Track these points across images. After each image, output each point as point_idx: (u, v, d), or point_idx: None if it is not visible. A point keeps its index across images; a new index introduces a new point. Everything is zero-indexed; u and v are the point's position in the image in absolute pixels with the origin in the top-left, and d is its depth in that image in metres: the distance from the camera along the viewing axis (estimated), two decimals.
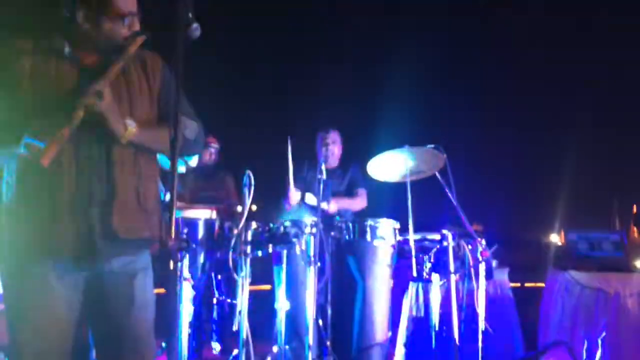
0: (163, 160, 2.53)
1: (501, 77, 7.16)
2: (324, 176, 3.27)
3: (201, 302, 4.70)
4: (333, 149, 4.23)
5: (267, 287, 3.61)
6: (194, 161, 3.48)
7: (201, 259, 3.47)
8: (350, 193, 4.24)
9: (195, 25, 1.63)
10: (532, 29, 6.92)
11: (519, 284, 5.95)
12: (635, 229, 5.63)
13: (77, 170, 1.75)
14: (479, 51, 7.10)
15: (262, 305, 4.13)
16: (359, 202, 4.22)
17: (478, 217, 3.89)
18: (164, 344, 3.94)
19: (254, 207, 3.23)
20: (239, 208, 3.33)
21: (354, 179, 4.29)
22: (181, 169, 3.51)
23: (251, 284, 4.44)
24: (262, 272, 4.14)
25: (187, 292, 3.11)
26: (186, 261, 3.17)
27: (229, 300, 4.30)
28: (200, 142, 2.09)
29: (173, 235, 1.41)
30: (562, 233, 4.29)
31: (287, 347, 3.27)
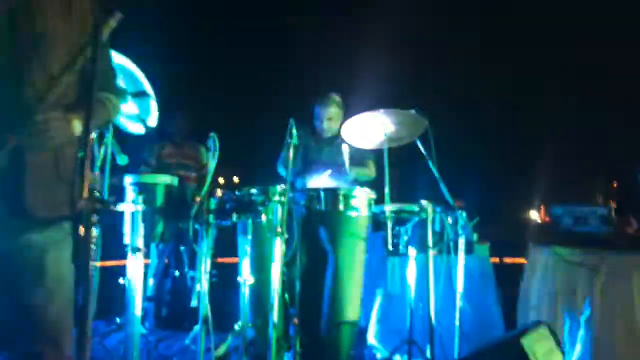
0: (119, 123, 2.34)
1: (488, 46, 6.95)
2: (295, 140, 2.99)
3: (167, 274, 4.48)
4: (331, 124, 3.96)
5: (232, 259, 3.37)
6: (152, 120, 3.21)
7: (160, 227, 3.21)
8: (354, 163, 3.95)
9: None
10: None
11: (497, 259, 5.83)
12: (615, 204, 5.50)
13: None
14: (464, 14, 6.85)
15: (228, 279, 3.91)
16: (373, 171, 3.98)
17: (458, 190, 3.69)
18: (118, 320, 3.72)
19: (236, 179, 3.00)
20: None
21: (357, 152, 3.93)
22: (139, 129, 3.24)
23: (219, 256, 4.21)
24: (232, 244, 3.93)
25: (139, 264, 2.85)
26: (141, 230, 2.91)
27: (191, 273, 4.08)
28: (113, 111, 1.91)
29: (86, 196, 1.14)
30: (543, 209, 4.10)
31: (250, 324, 3.04)
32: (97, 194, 1.15)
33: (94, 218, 1.15)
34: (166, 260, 4.40)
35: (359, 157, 3.92)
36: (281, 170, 4.03)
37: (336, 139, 3.97)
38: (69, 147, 1.68)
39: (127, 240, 2.97)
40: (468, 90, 7.05)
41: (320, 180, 3.80)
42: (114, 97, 1.90)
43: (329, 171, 3.80)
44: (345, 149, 3.74)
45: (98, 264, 3.00)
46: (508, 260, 6.28)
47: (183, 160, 4.71)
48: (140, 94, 3.00)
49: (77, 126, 1.63)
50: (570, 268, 3.29)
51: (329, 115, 3.95)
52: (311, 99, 4.09)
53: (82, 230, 1.13)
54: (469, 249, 3.39)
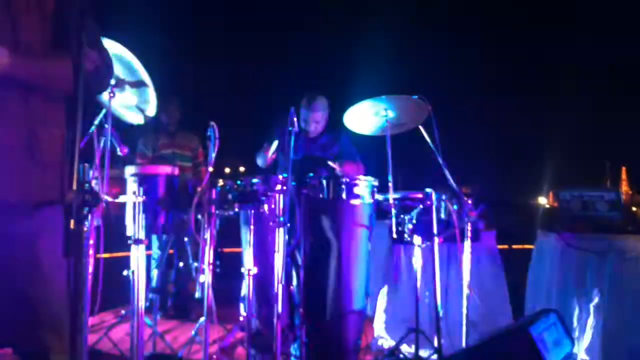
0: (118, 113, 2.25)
1: (491, 34, 6.85)
2: (296, 127, 2.94)
3: (172, 265, 4.47)
4: (317, 127, 3.89)
5: (238, 249, 3.34)
6: (151, 110, 3.17)
7: (162, 219, 3.19)
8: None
9: None
10: None
11: (506, 246, 5.77)
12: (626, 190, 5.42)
13: None
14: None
15: (232, 269, 3.88)
16: (362, 170, 3.88)
17: (466, 177, 3.63)
18: (123, 312, 3.71)
19: (242, 169, 2.97)
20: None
21: (347, 150, 3.94)
22: (138, 119, 3.20)
23: (223, 246, 4.19)
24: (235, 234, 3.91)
25: (141, 255, 2.82)
26: (142, 221, 2.89)
27: (195, 264, 4.07)
28: (105, 76, 1.75)
29: (74, 187, 1.10)
30: (551, 195, 4.03)
31: (254, 314, 3.02)
32: (87, 185, 1.10)
33: (84, 210, 1.11)
34: (170, 251, 4.38)
35: (346, 154, 3.88)
36: (259, 161, 3.94)
37: (322, 136, 3.94)
38: (43, 129, 1.60)
39: (129, 231, 2.95)
40: (475, 75, 6.95)
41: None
42: (105, 54, 1.72)
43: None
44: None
45: (105, 255, 2.97)
46: (517, 246, 6.22)
47: (178, 151, 4.66)
48: (138, 84, 2.96)
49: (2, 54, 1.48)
50: (579, 254, 3.23)
51: (316, 118, 3.86)
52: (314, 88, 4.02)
53: (72, 223, 1.09)
54: (475, 237, 3.33)
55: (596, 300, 3.05)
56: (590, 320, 3.05)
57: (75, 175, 1.12)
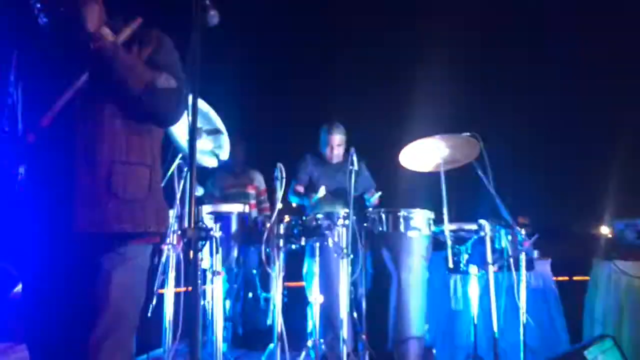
0: (181, 148, 2.43)
1: (542, 63, 6.94)
2: (356, 167, 3.21)
3: (239, 297, 4.75)
4: (339, 150, 4.22)
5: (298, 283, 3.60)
6: (225, 154, 3.50)
7: (235, 253, 3.48)
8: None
9: (212, 12, 1.60)
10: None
11: (567, 278, 5.75)
12: None
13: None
14: (516, 34, 6.89)
15: (298, 300, 4.13)
16: (376, 200, 4.21)
17: (520, 208, 3.76)
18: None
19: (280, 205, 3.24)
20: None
21: (369, 179, 4.38)
22: (212, 162, 3.54)
23: (288, 280, 4.46)
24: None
25: (218, 286, 3.11)
26: (219, 255, 3.19)
27: (264, 295, 4.32)
28: (173, 101, 1.81)
29: (192, 225, 1.39)
30: (606, 224, 4.10)
31: (321, 340, 3.24)
32: (201, 224, 1.38)
33: (200, 245, 1.38)
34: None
35: (370, 184, 4.30)
36: (293, 199, 4.30)
37: (344, 164, 4.23)
38: (121, 165, 1.71)
39: (205, 264, 3.25)
40: (528, 107, 7.04)
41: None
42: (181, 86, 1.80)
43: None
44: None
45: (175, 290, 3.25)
46: (578, 278, 6.17)
47: (243, 190, 5.02)
48: (214, 131, 3.30)
49: (108, 32, 1.69)
50: (634, 282, 3.32)
51: (338, 141, 4.21)
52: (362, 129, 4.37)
53: (191, 255, 1.36)
54: (529, 265, 3.46)
55: None
56: None
57: (193, 215, 1.41)
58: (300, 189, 4.27)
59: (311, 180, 4.30)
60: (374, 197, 4.11)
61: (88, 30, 1.67)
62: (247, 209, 3.60)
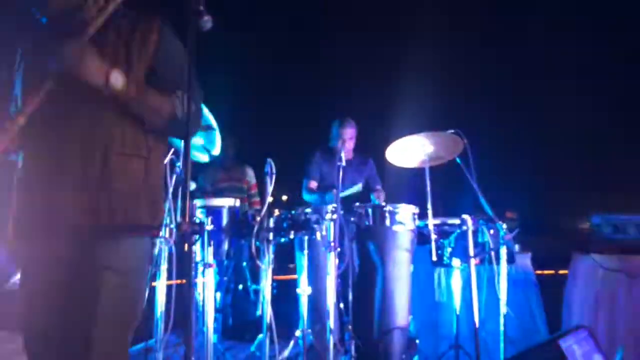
0: (176, 142, 2.48)
1: (523, 61, 7.06)
2: (344, 163, 3.32)
3: (230, 289, 4.85)
4: (350, 144, 4.34)
5: (293, 276, 3.70)
6: (216, 150, 3.59)
7: (225, 246, 3.57)
8: (368, 186, 4.51)
9: (206, 17, 1.67)
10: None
11: (553, 271, 5.89)
12: None
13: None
14: (499, 34, 7.01)
15: (286, 293, 4.24)
16: (382, 197, 4.43)
17: (504, 203, 3.88)
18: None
19: (284, 198, 3.34)
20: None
21: (373, 175, 4.55)
22: (204, 158, 3.63)
23: (276, 274, 4.56)
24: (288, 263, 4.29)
25: (210, 279, 3.21)
26: (211, 248, 3.28)
27: (254, 287, 4.42)
28: (197, 123, 1.87)
29: (187, 220, 1.48)
30: (584, 219, 4.26)
31: (309, 330, 3.35)
32: (195, 218, 1.48)
33: (194, 239, 1.47)
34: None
35: (375, 180, 4.51)
36: (307, 197, 4.46)
37: (355, 160, 4.43)
38: (117, 156, 1.72)
39: (198, 257, 3.34)
40: (512, 105, 7.17)
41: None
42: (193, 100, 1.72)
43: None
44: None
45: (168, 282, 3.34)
46: (563, 272, 6.30)
47: (234, 184, 5.13)
48: (206, 128, 3.39)
49: (118, 78, 1.66)
50: (610, 275, 3.45)
51: (350, 135, 4.34)
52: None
53: (186, 247, 1.46)
54: (510, 259, 3.58)
55: (626, 318, 3.26)
56: (621, 337, 3.25)
57: (188, 209, 1.50)
58: (313, 185, 4.40)
59: (321, 175, 4.43)
60: (380, 199, 4.32)
61: (97, 87, 1.67)
62: (237, 203, 3.69)
